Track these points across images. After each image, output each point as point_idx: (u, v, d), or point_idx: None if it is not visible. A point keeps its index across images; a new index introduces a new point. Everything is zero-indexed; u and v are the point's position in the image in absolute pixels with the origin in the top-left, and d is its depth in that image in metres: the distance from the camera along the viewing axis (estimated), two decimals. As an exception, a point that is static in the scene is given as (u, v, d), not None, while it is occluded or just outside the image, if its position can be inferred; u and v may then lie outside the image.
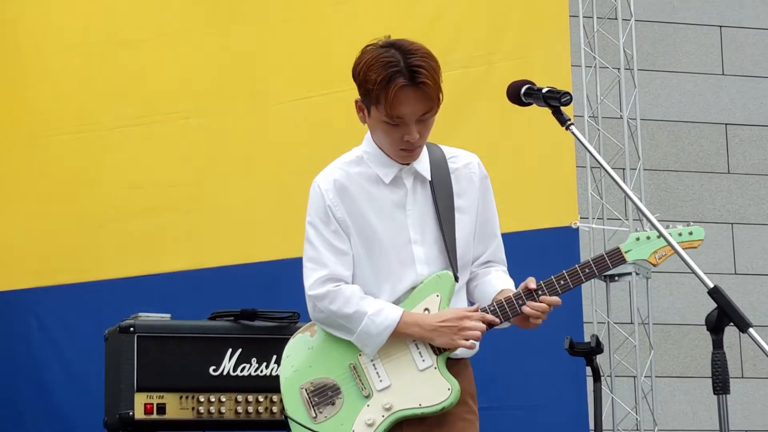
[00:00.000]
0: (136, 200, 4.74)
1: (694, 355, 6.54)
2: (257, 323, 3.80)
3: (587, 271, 2.64)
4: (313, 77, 4.78)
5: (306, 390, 2.64)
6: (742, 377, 6.54)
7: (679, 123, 6.80)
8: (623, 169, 5.31)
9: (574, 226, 4.65)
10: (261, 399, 3.73)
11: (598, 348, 4.16)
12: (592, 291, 5.14)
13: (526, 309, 2.61)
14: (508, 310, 2.62)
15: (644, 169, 5.39)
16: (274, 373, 3.73)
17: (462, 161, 2.72)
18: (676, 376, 6.52)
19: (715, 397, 2.35)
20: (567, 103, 2.53)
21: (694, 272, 2.32)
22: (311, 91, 4.76)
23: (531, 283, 2.63)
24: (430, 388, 2.59)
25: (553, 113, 2.54)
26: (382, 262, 2.64)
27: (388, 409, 2.60)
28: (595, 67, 5.37)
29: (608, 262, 2.65)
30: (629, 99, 5.34)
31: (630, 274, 5.10)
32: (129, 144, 4.78)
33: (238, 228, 4.75)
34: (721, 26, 6.90)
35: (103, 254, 4.73)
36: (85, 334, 4.47)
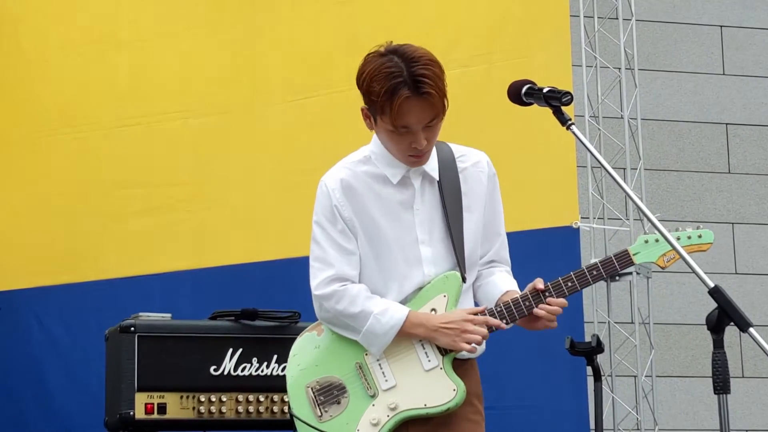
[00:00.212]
0: (136, 200, 4.74)
1: (695, 354, 6.54)
2: (258, 323, 3.80)
3: (595, 272, 2.64)
4: (313, 77, 4.78)
5: (312, 389, 2.64)
6: (743, 377, 6.54)
7: (680, 123, 6.80)
8: (624, 168, 5.31)
9: (574, 226, 4.65)
10: (262, 399, 3.73)
11: (598, 348, 4.16)
12: (592, 291, 5.14)
13: (538, 311, 2.60)
14: (514, 311, 2.62)
15: (645, 169, 5.39)
16: (274, 373, 3.74)
17: (471, 160, 2.71)
18: (676, 375, 6.52)
19: (716, 396, 2.35)
20: (568, 103, 2.52)
21: (694, 272, 2.32)
22: (312, 90, 4.76)
23: (539, 283, 2.62)
24: (435, 388, 2.59)
25: (554, 113, 2.54)
26: (389, 262, 2.64)
27: (393, 409, 2.60)
28: (595, 66, 5.36)
29: (616, 264, 2.65)
30: (630, 99, 5.34)
31: (631, 273, 5.10)
32: (129, 143, 4.78)
33: (238, 227, 4.75)
34: (721, 26, 6.90)
35: (104, 254, 4.73)
36: (85, 334, 4.48)
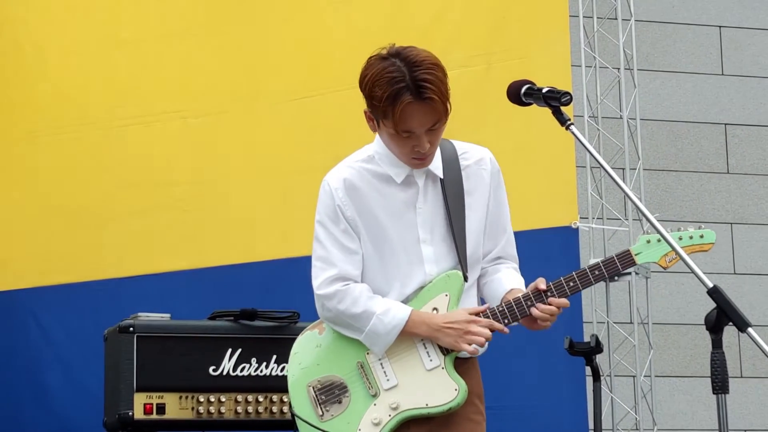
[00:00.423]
0: (135, 200, 4.73)
1: (694, 354, 6.54)
2: (257, 323, 3.80)
3: (597, 273, 2.64)
4: (313, 76, 4.78)
5: (313, 388, 2.64)
6: (741, 377, 6.54)
7: (679, 123, 6.80)
8: (623, 169, 5.31)
9: (573, 226, 4.65)
10: (261, 399, 3.73)
11: (597, 348, 4.17)
12: (591, 291, 5.14)
13: (534, 311, 2.60)
14: (516, 310, 2.62)
15: (644, 169, 5.40)
16: (273, 373, 3.74)
17: (474, 158, 2.70)
18: (675, 375, 6.52)
19: (715, 396, 2.35)
20: (567, 103, 2.52)
21: (693, 272, 2.32)
22: (311, 90, 4.76)
23: (541, 283, 2.62)
24: (437, 388, 2.59)
25: (553, 113, 2.54)
26: (391, 262, 2.64)
27: (394, 409, 2.60)
28: (595, 67, 5.37)
29: (618, 264, 2.65)
30: (629, 99, 5.34)
31: (630, 273, 5.10)
32: (128, 143, 4.78)
33: (237, 227, 4.74)
34: (720, 26, 6.90)
35: (103, 254, 4.73)
36: (84, 334, 4.47)
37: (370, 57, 2.57)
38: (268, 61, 4.82)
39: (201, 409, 3.68)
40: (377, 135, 2.67)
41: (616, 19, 5.40)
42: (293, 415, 2.66)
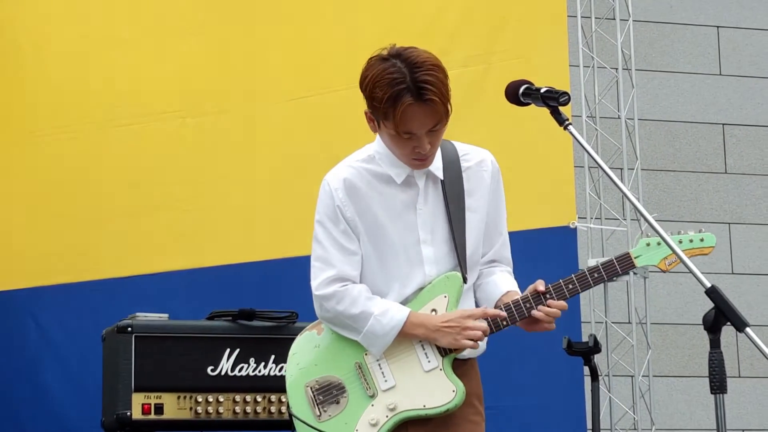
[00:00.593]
0: (133, 199, 4.73)
1: (692, 354, 6.54)
2: (255, 323, 3.79)
3: (596, 275, 2.64)
4: (310, 76, 4.78)
5: (311, 388, 2.64)
6: (739, 377, 6.54)
7: (677, 123, 6.80)
8: (621, 168, 5.31)
9: (572, 226, 4.66)
10: (259, 399, 3.73)
11: (596, 348, 4.16)
12: (590, 291, 5.12)
13: (537, 313, 2.60)
14: (515, 312, 2.62)
15: (642, 169, 5.40)
16: (272, 373, 3.73)
17: (474, 159, 2.70)
18: (673, 375, 6.53)
19: (713, 396, 2.35)
20: (565, 103, 2.52)
21: (691, 272, 2.32)
22: (309, 90, 4.76)
23: (540, 285, 2.62)
24: (434, 389, 2.59)
25: (552, 113, 2.54)
26: (391, 262, 2.63)
27: (392, 410, 2.60)
28: (593, 67, 5.37)
29: (617, 267, 2.65)
30: (627, 99, 5.34)
31: (628, 273, 5.10)
32: (126, 143, 4.77)
33: (235, 227, 4.74)
34: (718, 26, 6.91)
35: (100, 254, 4.73)
36: (82, 334, 4.47)
37: (371, 58, 2.56)
38: (266, 61, 4.82)
39: (199, 409, 3.68)
40: (378, 135, 2.66)
41: (614, 19, 5.41)
42: (291, 415, 2.65)
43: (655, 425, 5.21)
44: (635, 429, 5.23)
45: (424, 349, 2.62)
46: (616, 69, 5.34)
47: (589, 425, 4.46)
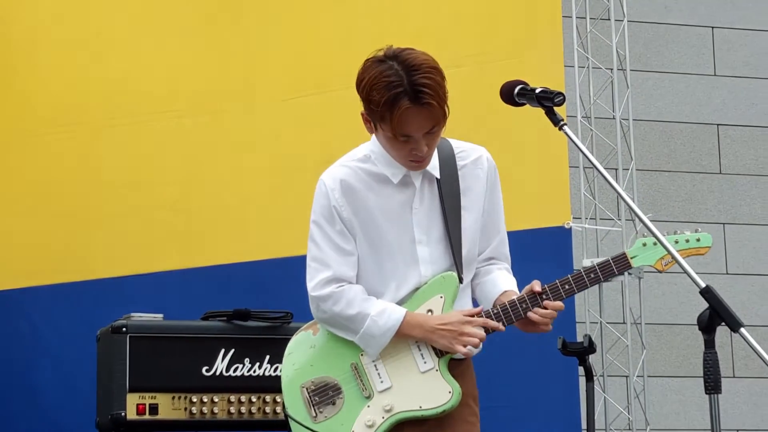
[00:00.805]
0: (128, 199, 4.72)
1: (686, 354, 6.55)
2: (250, 323, 3.79)
3: (592, 276, 2.63)
4: (306, 76, 4.77)
5: (307, 389, 2.63)
6: (734, 377, 6.55)
7: (671, 123, 6.81)
8: (616, 169, 5.32)
9: (566, 226, 4.66)
10: (254, 399, 3.73)
11: (590, 348, 4.17)
12: (584, 291, 5.13)
13: (533, 315, 2.60)
14: (511, 313, 2.62)
15: (636, 170, 5.40)
16: (266, 374, 3.73)
17: (471, 157, 2.69)
18: (668, 375, 6.53)
19: (707, 396, 2.35)
20: (560, 104, 2.52)
21: (686, 272, 2.32)
22: (305, 90, 4.76)
23: (536, 286, 2.61)
24: (430, 390, 2.59)
25: (547, 113, 2.53)
26: (387, 263, 2.63)
27: (388, 411, 2.59)
28: (588, 67, 5.37)
29: (614, 267, 2.65)
30: (622, 99, 5.35)
31: (624, 274, 5.11)
32: (120, 143, 4.77)
33: (230, 227, 4.74)
34: (712, 27, 6.92)
35: (95, 254, 4.72)
36: (76, 335, 4.46)
37: (367, 59, 2.55)
38: (262, 61, 4.81)
39: (194, 409, 3.67)
40: (374, 135, 2.66)
41: (609, 19, 5.41)
42: (287, 416, 2.65)
43: (649, 425, 5.21)
44: (630, 429, 5.24)
45: (420, 350, 2.62)
46: (611, 69, 5.35)
47: (584, 425, 4.46)
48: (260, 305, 3.85)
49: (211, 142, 4.79)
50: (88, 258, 4.72)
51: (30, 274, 4.70)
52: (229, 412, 3.70)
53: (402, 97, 2.48)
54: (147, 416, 3.64)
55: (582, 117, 5.29)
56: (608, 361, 5.27)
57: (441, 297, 2.63)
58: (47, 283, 4.69)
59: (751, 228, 6.80)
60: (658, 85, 6.81)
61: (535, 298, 2.61)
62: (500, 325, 2.62)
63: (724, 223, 6.76)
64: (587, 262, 5.00)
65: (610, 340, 5.36)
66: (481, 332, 2.59)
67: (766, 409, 6.60)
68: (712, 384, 2.31)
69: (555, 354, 4.23)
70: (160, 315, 3.83)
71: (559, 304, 2.61)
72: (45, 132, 4.78)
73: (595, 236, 5.29)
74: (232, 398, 3.71)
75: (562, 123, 2.51)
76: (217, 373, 3.71)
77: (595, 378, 4.43)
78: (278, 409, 3.71)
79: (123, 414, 3.61)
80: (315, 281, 2.63)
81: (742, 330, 2.26)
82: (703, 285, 2.31)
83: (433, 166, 2.64)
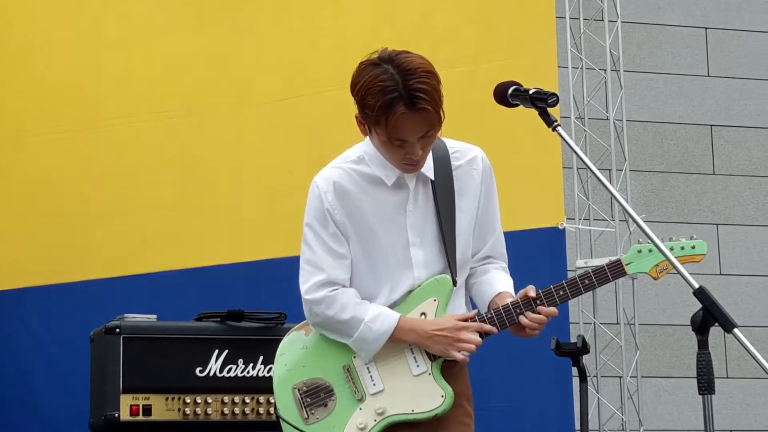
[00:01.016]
0: (121, 200, 4.72)
1: (680, 355, 6.56)
2: (244, 324, 3.79)
3: (587, 282, 2.63)
4: (299, 77, 4.77)
5: (299, 390, 2.63)
6: (727, 377, 6.56)
7: (665, 124, 6.82)
8: (609, 170, 5.32)
9: (560, 227, 4.66)
10: (247, 400, 3.73)
11: (584, 348, 4.16)
12: (578, 293, 5.13)
13: (523, 320, 2.59)
14: (505, 318, 2.61)
15: (630, 170, 5.41)
16: (260, 374, 3.73)
17: (465, 157, 2.67)
18: (661, 376, 6.54)
19: (701, 397, 2.35)
20: (554, 105, 2.52)
21: (680, 273, 2.32)
22: (298, 90, 4.76)
23: (531, 291, 2.61)
24: (423, 394, 2.59)
25: (540, 114, 2.53)
26: (381, 265, 2.62)
27: (380, 414, 2.59)
28: (581, 68, 5.38)
29: (609, 274, 2.64)
30: (615, 100, 5.35)
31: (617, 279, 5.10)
32: (114, 143, 4.77)
33: (224, 228, 4.74)
34: (706, 28, 6.93)
35: (88, 254, 4.72)
36: (70, 335, 4.46)
37: (362, 62, 2.53)
38: (255, 62, 4.81)
39: (187, 410, 3.67)
40: (367, 136, 2.64)
41: (602, 20, 5.41)
42: (278, 417, 2.64)
43: (643, 426, 5.22)
44: (623, 430, 5.24)
45: (413, 354, 2.61)
46: (605, 70, 5.35)
47: (578, 426, 4.46)
48: (254, 306, 3.85)
49: (204, 143, 4.79)
50: (82, 259, 4.71)
51: (24, 275, 4.70)
52: (222, 413, 3.70)
53: (397, 102, 2.46)
54: (140, 417, 3.63)
55: (575, 118, 5.29)
56: (602, 361, 5.28)
57: (435, 300, 2.62)
58: (41, 283, 4.68)
59: (744, 229, 6.81)
60: (651, 85, 6.82)
61: (529, 303, 2.60)
62: (494, 329, 2.61)
63: (717, 224, 6.77)
64: (581, 263, 5.00)
65: (603, 341, 5.37)
66: (477, 338, 2.59)
67: (759, 409, 6.61)
68: (706, 384, 2.31)
69: (549, 355, 4.23)
70: (154, 316, 3.82)
71: (552, 309, 2.61)
72: (39, 133, 4.78)
73: (589, 237, 5.29)
74: (226, 399, 3.70)
75: (555, 124, 2.51)
76: (211, 373, 3.71)
77: (588, 378, 4.43)
78: (272, 410, 3.71)
79: (116, 415, 3.61)
80: (308, 284, 2.61)
81: (736, 331, 2.27)
82: (697, 286, 2.31)
83: (428, 168, 2.63)
